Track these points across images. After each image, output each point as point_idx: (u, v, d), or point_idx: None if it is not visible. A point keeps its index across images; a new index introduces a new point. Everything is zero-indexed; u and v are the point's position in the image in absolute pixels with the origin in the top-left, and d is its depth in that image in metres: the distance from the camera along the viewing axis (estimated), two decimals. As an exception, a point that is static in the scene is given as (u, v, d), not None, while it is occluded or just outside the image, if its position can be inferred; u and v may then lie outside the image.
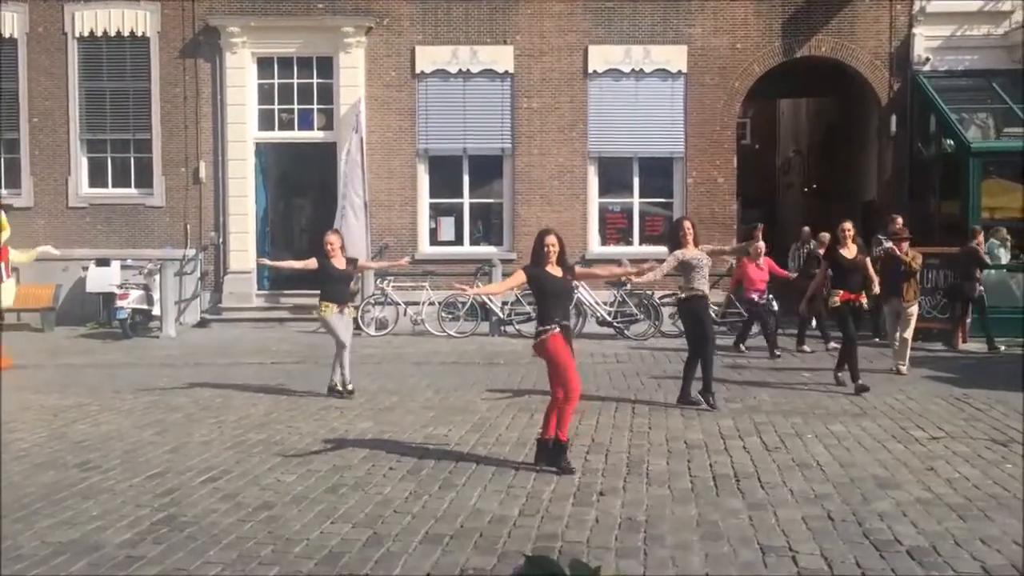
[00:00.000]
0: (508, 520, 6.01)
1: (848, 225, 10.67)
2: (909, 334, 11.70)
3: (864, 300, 10.66)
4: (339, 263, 10.20)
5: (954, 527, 5.79)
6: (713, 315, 11.59)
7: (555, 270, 7.35)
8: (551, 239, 7.37)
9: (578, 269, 8.03)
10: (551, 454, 7.17)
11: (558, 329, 7.19)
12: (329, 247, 10.17)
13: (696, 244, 9.70)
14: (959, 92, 16.91)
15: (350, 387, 10.21)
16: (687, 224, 9.78)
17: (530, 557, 2.02)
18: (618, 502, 6.39)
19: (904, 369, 11.54)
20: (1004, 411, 9.29)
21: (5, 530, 5.84)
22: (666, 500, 6.43)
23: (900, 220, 14.06)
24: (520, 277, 7.60)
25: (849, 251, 10.56)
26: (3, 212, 13.80)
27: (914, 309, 11.76)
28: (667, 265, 9.68)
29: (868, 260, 10.80)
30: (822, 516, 6.01)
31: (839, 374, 10.70)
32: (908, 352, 11.72)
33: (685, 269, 9.60)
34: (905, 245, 11.71)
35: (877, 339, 14.06)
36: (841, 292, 10.50)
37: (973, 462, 7.35)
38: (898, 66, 17.25)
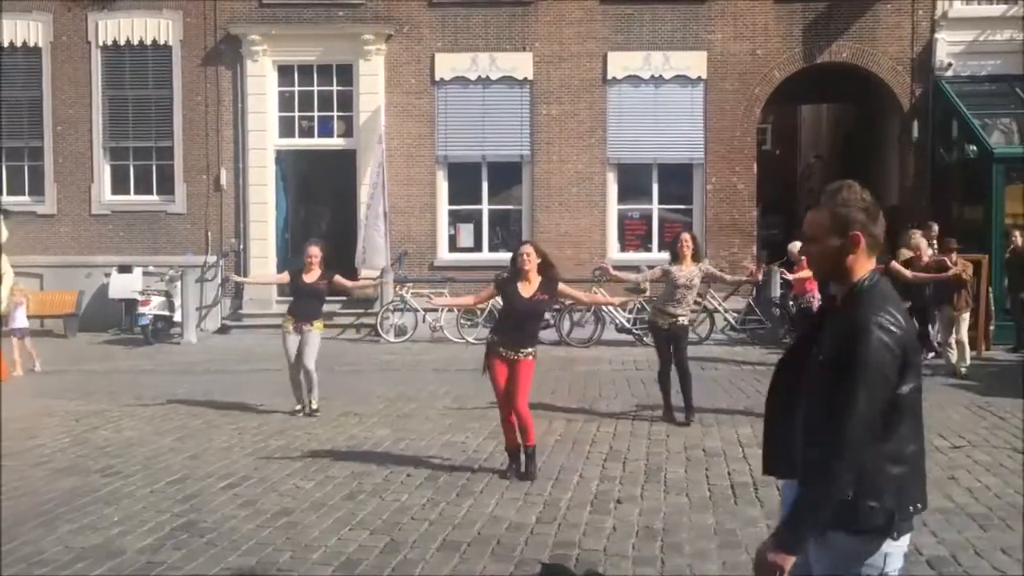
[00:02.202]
0: (525, 528, 6.02)
1: None
2: (964, 336, 12.07)
3: None
4: (311, 277, 9.76)
5: (974, 537, 5.74)
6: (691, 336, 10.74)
7: (528, 286, 7.25)
8: (526, 249, 7.34)
9: (562, 287, 7.64)
10: (515, 461, 7.28)
11: (495, 348, 7.22)
12: (309, 259, 9.78)
13: (696, 260, 9.25)
14: (982, 97, 16.76)
15: (314, 405, 9.68)
16: (686, 237, 9.27)
17: (546, 565, 2.03)
18: (636, 510, 6.38)
19: (964, 370, 11.86)
20: (1027, 419, 9.20)
21: (27, 535, 5.90)
22: (684, 508, 6.41)
23: (936, 227, 13.93)
24: (490, 290, 7.67)
25: None
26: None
27: (966, 315, 12.09)
28: (651, 273, 9.57)
29: (895, 263, 10.20)
30: (841, 525, 5.96)
31: None
32: (967, 353, 12.12)
33: (669, 285, 9.17)
34: (954, 255, 12.05)
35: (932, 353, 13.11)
36: None
37: (995, 471, 7.28)
38: (920, 71, 17.13)
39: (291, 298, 10.12)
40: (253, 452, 8.13)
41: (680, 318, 9.18)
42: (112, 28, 17.79)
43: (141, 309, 15.96)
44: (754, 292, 15.35)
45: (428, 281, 16.82)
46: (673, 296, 9.11)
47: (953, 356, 12.06)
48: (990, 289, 14.17)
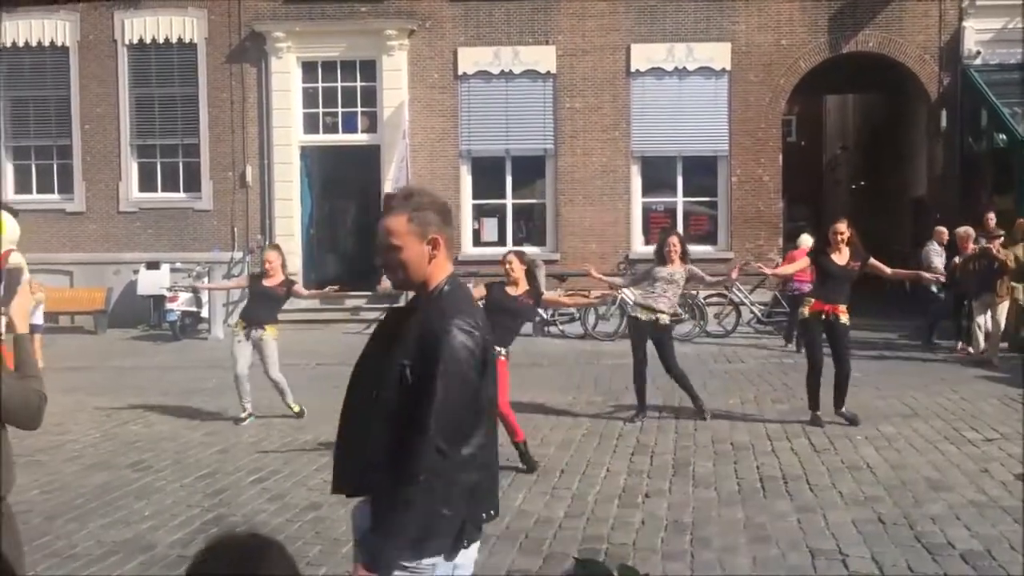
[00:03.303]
0: (553, 522, 6.01)
1: (841, 227, 8.68)
2: (1001, 323, 12.08)
3: (843, 314, 8.66)
4: (270, 281, 9.30)
5: (1009, 531, 5.67)
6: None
7: (517, 288, 7.44)
8: (509, 257, 7.58)
9: (547, 296, 8.00)
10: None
11: None
12: (267, 264, 9.34)
13: (684, 261, 9.05)
14: (1011, 86, 16.53)
15: (294, 408, 9.27)
16: (674, 241, 9.02)
17: (579, 560, 2.02)
18: (664, 504, 6.35)
19: (996, 360, 11.78)
20: (1060, 412, 9.08)
21: (60, 529, 5.97)
22: (713, 502, 6.38)
23: (993, 216, 13.76)
24: (480, 291, 7.73)
25: (840, 256, 8.66)
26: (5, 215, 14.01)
27: (1005, 304, 12.10)
28: (635, 278, 9.57)
29: (874, 260, 9.00)
30: (872, 519, 5.92)
31: (840, 410, 8.80)
32: (999, 343, 12.07)
33: (650, 278, 9.04)
34: (997, 242, 12.17)
35: (970, 348, 12.74)
36: (813, 301, 8.76)
37: (1029, 464, 7.18)
38: (948, 60, 16.92)
39: (247, 301, 9.65)
40: (281, 446, 8.18)
41: (660, 316, 8.89)
42: (138, 27, 17.91)
43: (169, 305, 16.09)
44: (781, 284, 15.25)
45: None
46: (654, 289, 8.92)
47: (982, 342, 12.14)
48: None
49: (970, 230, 12.99)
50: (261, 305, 9.32)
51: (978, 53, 16.76)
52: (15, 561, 3.08)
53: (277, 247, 9.94)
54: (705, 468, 7.25)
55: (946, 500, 6.30)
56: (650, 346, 9.03)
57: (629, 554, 5.40)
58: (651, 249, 16.91)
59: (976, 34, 16.79)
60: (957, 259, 12.84)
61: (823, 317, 8.65)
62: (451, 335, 2.60)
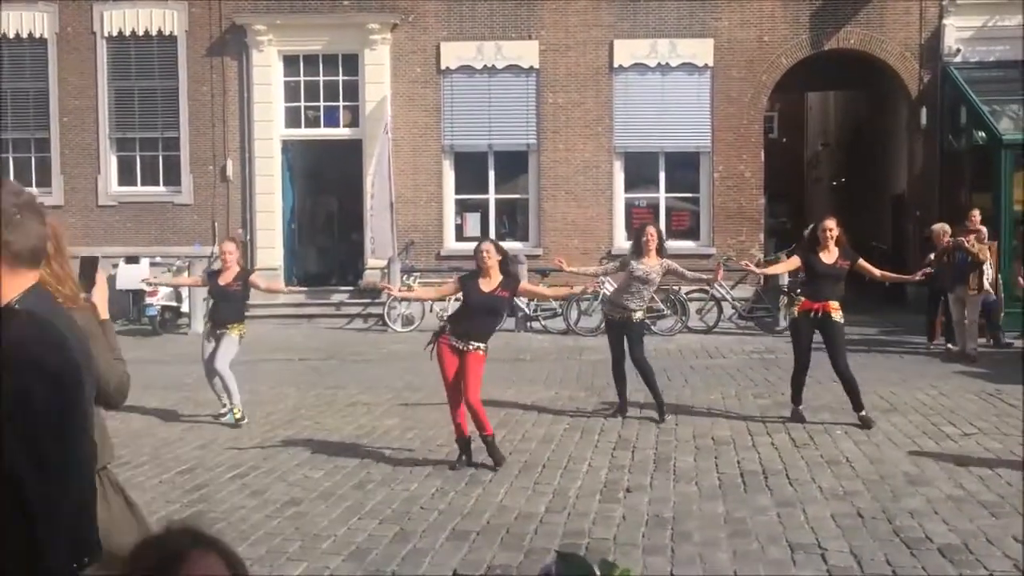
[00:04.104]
0: (535, 517, 6.01)
1: (830, 224, 8.58)
2: (975, 317, 12.35)
3: (835, 311, 8.48)
4: (226, 278, 8.94)
5: (986, 525, 5.72)
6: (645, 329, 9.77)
7: (489, 282, 7.27)
8: (485, 246, 7.39)
9: (524, 286, 7.67)
10: (466, 451, 7.27)
11: (448, 337, 7.19)
12: (223, 257, 9.00)
13: (660, 255, 8.84)
14: (991, 83, 16.63)
15: (237, 414, 8.70)
16: (651, 231, 8.86)
17: (561, 554, 2.00)
18: (645, 499, 6.36)
19: (974, 352, 12.08)
20: (1038, 407, 9.16)
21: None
22: (693, 497, 6.40)
23: (977, 214, 13.84)
24: (451, 287, 7.70)
25: (829, 254, 8.52)
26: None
27: (979, 298, 12.31)
28: (610, 266, 9.46)
29: (863, 261, 8.89)
30: (852, 513, 5.96)
31: (860, 414, 8.50)
32: (976, 334, 12.37)
33: (627, 277, 8.83)
34: (972, 237, 12.40)
35: (949, 344, 12.93)
36: (803, 300, 8.61)
37: (1006, 459, 7.25)
38: (928, 57, 17.02)
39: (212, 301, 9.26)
40: (261, 442, 8.14)
41: (634, 312, 8.76)
42: (117, 19, 17.76)
43: (149, 300, 15.98)
44: (761, 281, 15.32)
45: (435, 271, 16.81)
46: (628, 288, 8.78)
47: (963, 338, 12.26)
48: (999, 276, 14.12)
49: (946, 226, 13.11)
50: (221, 305, 9.03)
51: (958, 51, 16.86)
52: (117, 530, 3.12)
53: (234, 239, 9.60)
54: (686, 463, 7.27)
55: (924, 495, 6.34)
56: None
57: (610, 549, 5.41)
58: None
59: (956, 32, 16.89)
60: (932, 255, 12.93)
61: (813, 316, 8.49)
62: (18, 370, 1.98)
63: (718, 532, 5.66)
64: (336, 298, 17.32)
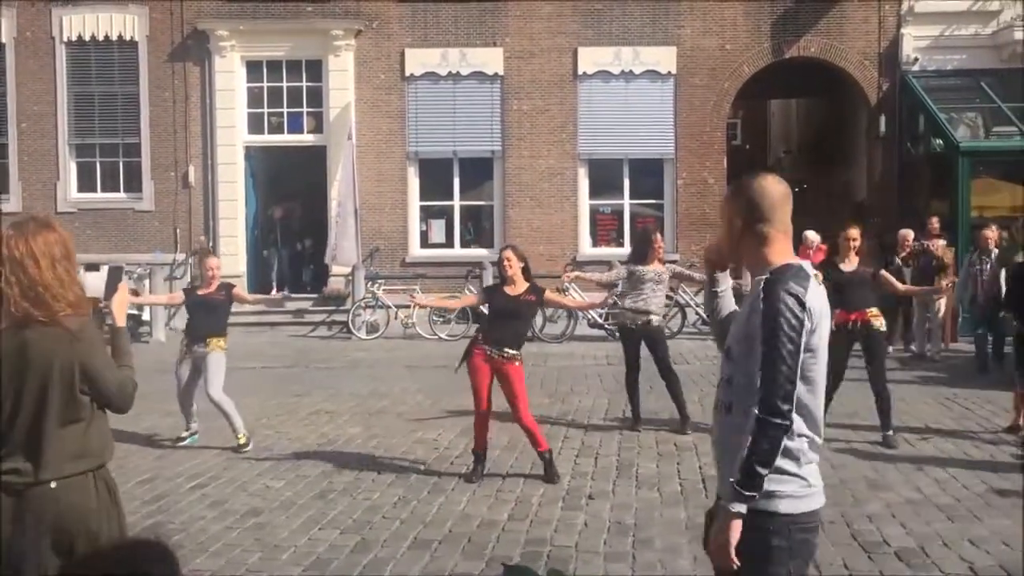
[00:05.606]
0: (497, 525, 6.00)
1: (854, 233, 8.23)
2: (942, 317, 12.82)
3: (875, 318, 8.10)
4: (207, 290, 8.69)
5: (943, 528, 5.80)
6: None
7: (516, 288, 7.16)
8: (507, 253, 7.27)
9: (549, 295, 7.53)
10: (481, 463, 7.16)
11: (481, 347, 7.05)
12: (210, 271, 8.75)
13: (662, 262, 8.82)
14: (948, 92, 16.94)
15: (242, 439, 8.11)
16: (660, 241, 8.80)
17: (508, 567, 2.00)
18: (607, 505, 6.38)
19: (937, 356, 12.57)
20: (993, 410, 9.30)
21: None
22: (655, 503, 6.42)
23: (936, 220, 14.14)
24: (474, 297, 7.62)
25: (849, 263, 8.16)
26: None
27: (943, 302, 12.63)
28: (614, 274, 9.06)
29: (886, 273, 8.56)
30: (811, 518, 6.00)
31: (888, 433, 8.12)
32: (939, 337, 12.85)
33: (635, 281, 8.62)
34: (938, 241, 13.01)
35: (913, 347, 13.19)
36: (838, 312, 7.70)
37: (962, 462, 7.36)
38: (887, 66, 17.29)
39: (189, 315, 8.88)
40: (222, 451, 8.05)
41: (652, 317, 8.62)
42: (77, 23, 17.55)
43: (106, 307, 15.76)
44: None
45: (400, 277, 16.75)
46: (642, 293, 8.65)
47: (926, 340, 12.64)
48: (955, 281, 14.34)
49: (909, 232, 13.32)
50: (202, 317, 8.60)
51: (916, 59, 17.15)
52: (112, 524, 3.31)
53: (211, 253, 9.47)
54: (648, 469, 7.30)
55: (883, 499, 6.42)
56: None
57: (572, 556, 5.41)
58: (598, 251, 17.23)
59: (914, 41, 17.17)
60: (898, 259, 13.09)
61: (850, 327, 7.99)
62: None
63: (679, 538, 5.69)
64: (296, 306, 17.15)
